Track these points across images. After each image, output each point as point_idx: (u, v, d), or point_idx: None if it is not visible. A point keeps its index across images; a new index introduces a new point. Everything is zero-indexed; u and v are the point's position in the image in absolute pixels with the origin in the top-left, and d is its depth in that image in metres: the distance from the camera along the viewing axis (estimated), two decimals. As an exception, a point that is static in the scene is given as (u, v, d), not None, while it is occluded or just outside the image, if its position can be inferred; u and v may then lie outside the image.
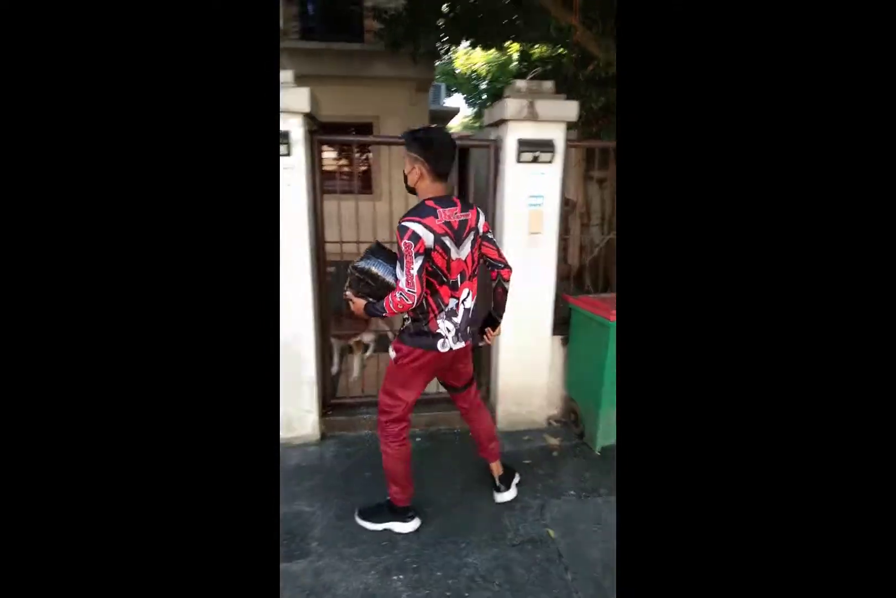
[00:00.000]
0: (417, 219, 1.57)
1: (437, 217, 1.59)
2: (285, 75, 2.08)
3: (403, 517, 1.93)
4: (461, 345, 1.77)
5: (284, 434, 2.47)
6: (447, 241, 1.62)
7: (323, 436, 2.54)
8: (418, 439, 2.56)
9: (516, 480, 2.15)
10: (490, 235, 1.79)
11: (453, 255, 1.65)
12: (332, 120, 3.44)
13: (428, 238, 1.57)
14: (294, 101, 2.06)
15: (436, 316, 1.70)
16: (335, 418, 2.58)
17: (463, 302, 1.73)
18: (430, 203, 1.62)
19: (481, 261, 1.79)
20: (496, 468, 2.09)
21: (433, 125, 1.95)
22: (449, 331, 1.72)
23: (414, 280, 1.56)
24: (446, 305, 1.70)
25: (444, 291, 1.69)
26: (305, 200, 2.21)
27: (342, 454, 2.42)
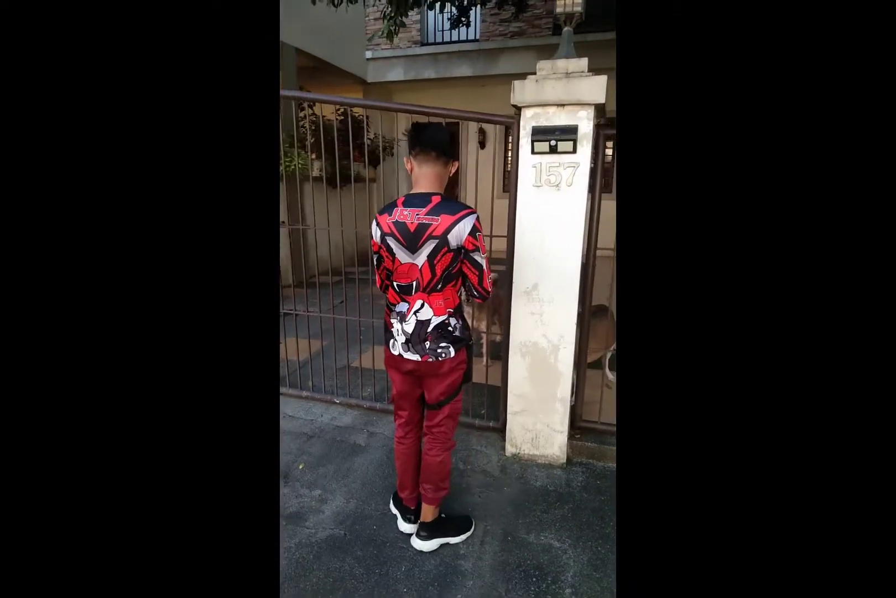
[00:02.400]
0: (378, 215, 1.57)
1: (390, 215, 1.53)
2: (579, 64, 1.88)
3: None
4: (415, 357, 1.62)
5: (528, 450, 2.32)
6: (391, 241, 1.53)
7: (569, 460, 2.32)
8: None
9: (450, 540, 1.84)
10: (475, 256, 1.53)
11: (402, 258, 1.54)
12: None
13: (376, 235, 1.57)
14: (587, 90, 1.85)
15: (390, 313, 1.67)
16: (583, 442, 2.34)
17: (416, 313, 1.60)
18: (400, 199, 1.55)
19: (449, 277, 1.56)
20: (424, 513, 1.83)
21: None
22: (399, 334, 1.63)
23: (376, 272, 1.66)
24: (394, 305, 1.65)
25: (392, 292, 1.65)
26: (584, 202, 1.99)
27: (592, 487, 2.17)
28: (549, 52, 6.03)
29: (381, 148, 5.54)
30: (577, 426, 2.38)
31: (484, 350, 3.19)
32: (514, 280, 2.15)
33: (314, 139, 4.98)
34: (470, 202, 1.86)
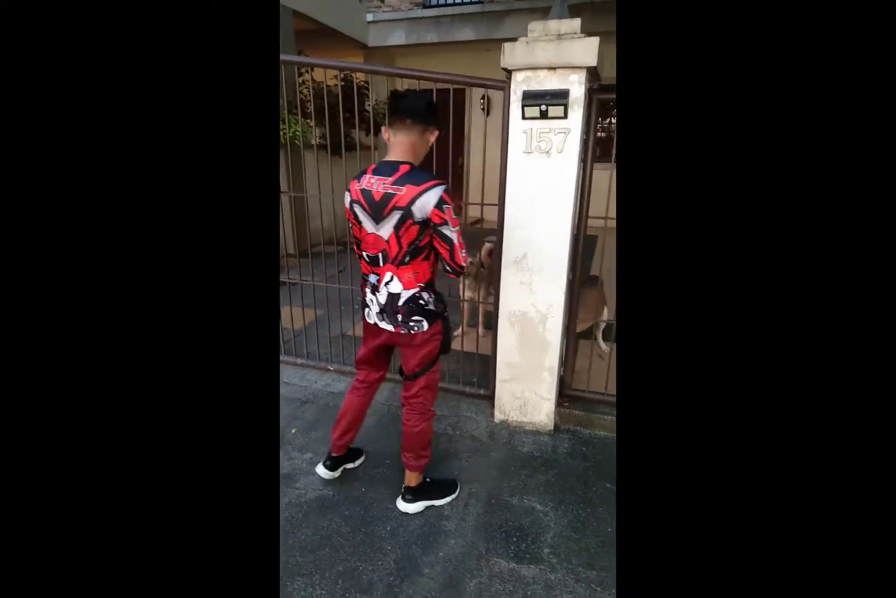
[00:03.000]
0: (351, 181, 1.58)
1: (359, 181, 1.54)
2: (572, 25, 1.82)
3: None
4: (388, 327, 1.65)
5: (517, 417, 2.36)
6: (357, 208, 1.54)
7: (556, 427, 2.36)
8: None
9: (434, 502, 1.90)
10: (443, 229, 1.46)
11: (367, 227, 1.54)
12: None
13: (346, 201, 1.57)
14: (578, 53, 1.79)
15: (364, 282, 1.68)
16: (571, 410, 2.37)
17: (386, 285, 1.60)
18: (371, 166, 1.54)
19: (418, 250, 1.53)
20: (408, 478, 1.88)
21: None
22: (373, 304, 1.66)
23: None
24: (367, 276, 1.66)
25: (363, 261, 1.65)
26: (575, 170, 1.95)
27: (577, 453, 2.21)
28: (555, 14, 5.82)
29: (383, 115, 5.42)
30: (566, 395, 2.41)
31: (480, 320, 3.20)
32: (503, 250, 2.14)
33: (314, 105, 4.88)
34: (475, 170, 1.82)
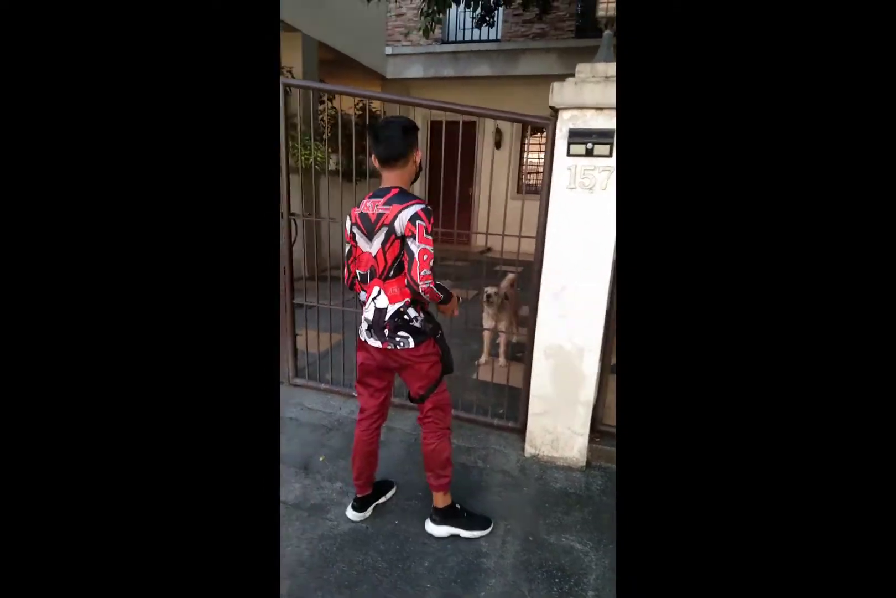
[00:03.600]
0: (352, 209, 1.69)
1: (358, 207, 1.64)
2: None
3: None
4: (376, 343, 1.69)
5: (548, 451, 2.33)
6: (356, 230, 1.65)
7: (588, 464, 2.33)
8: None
9: (461, 532, 1.88)
10: (409, 242, 1.52)
11: (362, 246, 1.64)
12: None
13: (347, 226, 1.69)
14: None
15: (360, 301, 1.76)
16: (603, 446, 2.35)
17: (374, 301, 1.67)
18: (369, 194, 1.64)
19: (402, 265, 1.59)
20: (435, 499, 1.90)
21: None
22: (363, 321, 1.73)
23: (345, 265, 1.77)
24: (359, 294, 1.76)
25: (356, 281, 1.76)
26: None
27: (611, 491, 2.18)
28: (570, 54, 6.03)
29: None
30: (597, 430, 2.39)
31: (501, 350, 3.20)
32: (542, 282, 2.16)
33: (332, 133, 4.97)
34: (483, 202, 1.82)
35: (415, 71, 6.95)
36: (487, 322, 3.09)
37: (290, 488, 2.13)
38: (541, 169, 2.22)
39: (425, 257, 1.52)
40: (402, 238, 1.54)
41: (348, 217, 1.69)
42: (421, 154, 1.68)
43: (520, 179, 7.33)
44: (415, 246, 1.52)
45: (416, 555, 1.79)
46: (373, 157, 1.62)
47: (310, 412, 2.72)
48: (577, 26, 6.44)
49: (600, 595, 1.65)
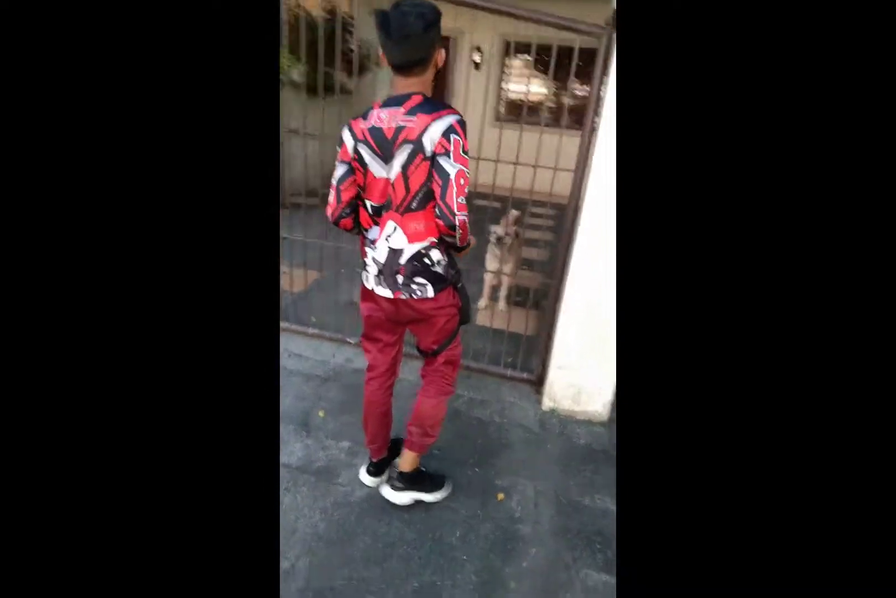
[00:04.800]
0: (351, 121, 1.31)
1: (365, 119, 1.26)
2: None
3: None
4: (385, 293, 1.38)
5: (569, 405, 2.20)
6: (364, 150, 1.26)
7: (610, 419, 2.22)
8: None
9: (424, 497, 1.68)
10: (441, 160, 1.18)
11: (375, 170, 1.27)
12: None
13: (349, 144, 1.30)
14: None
15: (364, 241, 1.42)
16: (623, 399, 2.23)
17: (387, 239, 1.33)
18: (377, 103, 1.28)
19: (430, 195, 1.24)
20: (403, 460, 1.66)
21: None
22: (371, 264, 1.39)
23: (331, 191, 1.34)
24: (367, 230, 1.39)
25: (363, 213, 1.37)
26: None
27: (635, 445, 2.10)
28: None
29: (367, 56, 4.92)
30: (618, 383, 2.27)
31: (502, 295, 2.99)
32: (579, 225, 1.90)
33: (294, 38, 4.31)
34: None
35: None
36: (492, 264, 2.83)
37: (291, 449, 1.90)
38: (525, 97, 1.90)
39: (462, 181, 1.20)
40: (433, 158, 1.19)
41: (346, 130, 1.30)
42: (444, 54, 1.26)
43: (498, 104, 6.80)
44: (450, 166, 1.18)
45: (446, 524, 1.64)
46: (381, 54, 1.22)
47: (300, 360, 2.44)
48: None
49: (646, 561, 1.58)
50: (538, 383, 2.29)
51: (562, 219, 2.19)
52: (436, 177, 1.21)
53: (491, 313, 2.94)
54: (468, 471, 1.86)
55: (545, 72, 6.11)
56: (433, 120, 1.18)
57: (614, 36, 1.66)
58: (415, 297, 1.36)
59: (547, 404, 2.22)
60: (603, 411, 2.17)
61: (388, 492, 1.66)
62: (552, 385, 2.18)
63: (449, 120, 1.19)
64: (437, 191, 1.21)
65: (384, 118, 1.23)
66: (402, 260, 1.32)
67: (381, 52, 1.22)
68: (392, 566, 1.49)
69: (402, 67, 1.22)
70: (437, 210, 1.23)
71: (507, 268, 2.80)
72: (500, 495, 1.77)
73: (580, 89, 6.02)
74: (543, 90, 6.35)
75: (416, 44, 1.17)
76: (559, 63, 2.04)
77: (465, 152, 1.21)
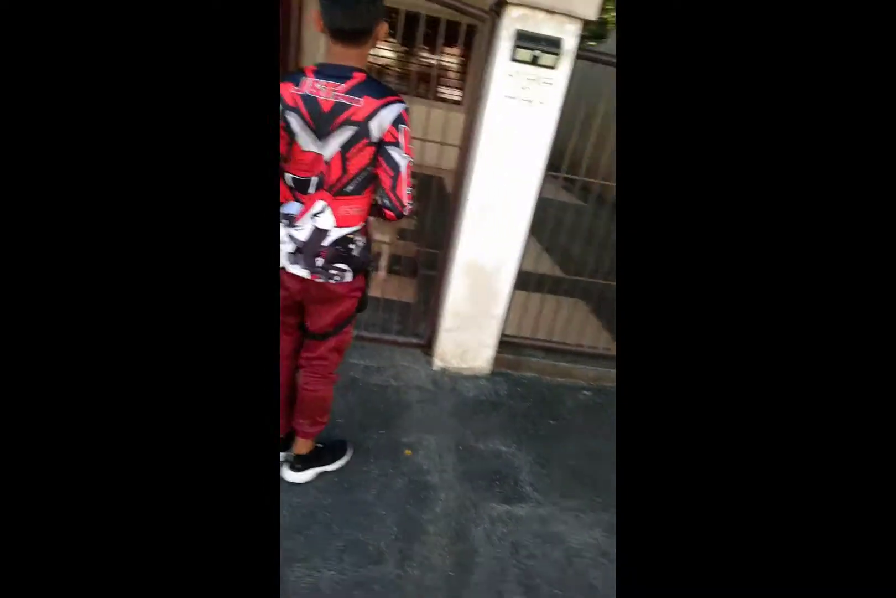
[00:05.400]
0: (284, 84, 1.21)
1: (296, 85, 1.19)
2: (576, -37, 1.70)
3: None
4: (302, 272, 1.32)
5: (457, 363, 2.41)
6: (293, 118, 1.19)
7: (491, 372, 2.49)
8: (587, 393, 2.53)
9: (326, 468, 1.74)
10: (392, 151, 1.20)
11: (303, 143, 1.22)
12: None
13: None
14: (582, 1, 1.71)
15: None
16: (503, 355, 2.50)
17: (314, 217, 1.28)
18: (310, 69, 1.21)
19: (369, 179, 1.27)
20: (299, 445, 1.68)
21: None
22: (291, 241, 1.31)
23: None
24: (283, 204, 1.32)
25: (283, 185, 1.30)
26: (554, 124, 1.93)
27: (516, 394, 2.39)
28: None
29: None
30: (500, 341, 2.52)
31: (382, 264, 3.06)
32: (468, 197, 2.05)
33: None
34: None
35: None
36: (377, 235, 2.88)
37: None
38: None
39: (410, 172, 1.25)
40: (380, 145, 1.20)
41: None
42: (386, 28, 1.21)
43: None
44: (400, 158, 1.21)
45: (361, 485, 1.75)
46: (314, 11, 1.15)
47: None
48: None
49: (536, 488, 1.87)
50: (428, 346, 2.46)
51: (427, 189, 2.31)
52: (386, 167, 1.22)
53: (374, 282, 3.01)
54: (374, 434, 1.98)
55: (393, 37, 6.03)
56: (381, 105, 1.16)
57: (497, 19, 1.77)
58: (332, 282, 1.34)
59: (437, 364, 2.41)
60: (486, 365, 2.43)
61: (289, 475, 1.67)
62: (442, 347, 2.37)
63: (397, 108, 1.18)
64: (388, 182, 1.23)
65: (320, 89, 1.17)
66: (326, 242, 1.30)
67: (315, 13, 1.15)
68: (314, 533, 1.56)
69: (345, 34, 1.15)
70: (386, 201, 1.26)
71: (387, 238, 2.88)
72: (408, 451, 1.92)
73: (429, 58, 6.08)
74: (390, 55, 6.27)
75: (364, 10, 1.13)
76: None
77: (411, 141, 1.23)
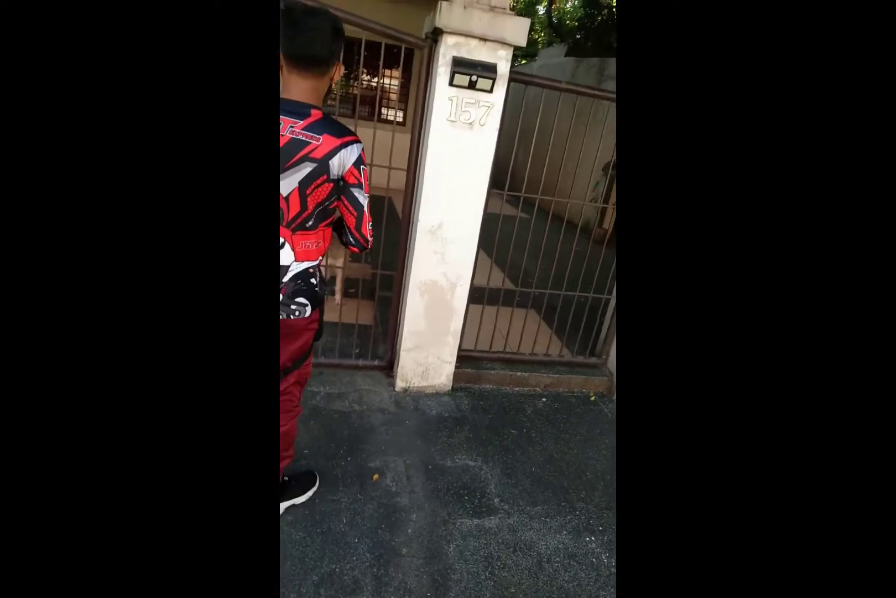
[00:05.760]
0: None
1: None
2: (502, 0, 1.80)
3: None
4: None
5: (418, 382, 2.43)
6: None
7: (452, 388, 2.51)
8: (544, 400, 2.59)
9: (295, 501, 1.74)
10: (355, 192, 1.26)
11: None
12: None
13: None
14: (511, 29, 1.80)
15: None
16: (463, 369, 2.54)
17: None
18: None
19: (326, 213, 1.29)
20: None
21: None
22: None
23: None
24: None
25: None
26: (494, 143, 2.00)
27: (478, 407, 2.42)
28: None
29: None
30: (459, 356, 2.56)
31: (337, 288, 3.05)
32: (418, 218, 2.09)
33: None
34: None
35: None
36: (332, 260, 2.87)
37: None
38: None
39: (369, 210, 1.31)
40: (338, 183, 1.23)
41: None
42: (342, 69, 1.27)
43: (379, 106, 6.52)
44: (362, 198, 1.27)
45: (331, 514, 1.73)
46: (281, 55, 1.15)
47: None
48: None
49: (503, 499, 1.90)
50: (389, 367, 2.47)
51: (378, 210, 2.34)
52: (350, 208, 1.27)
53: (329, 307, 2.99)
54: (341, 462, 1.96)
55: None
56: (340, 144, 1.19)
57: (434, 47, 1.84)
58: (292, 317, 1.34)
59: (399, 384, 2.42)
60: (447, 382, 2.45)
61: None
62: (402, 367, 2.38)
63: (357, 149, 1.21)
64: (352, 221, 1.29)
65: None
66: (286, 278, 1.30)
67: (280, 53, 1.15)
68: (288, 568, 1.53)
69: (302, 60, 1.16)
70: (351, 239, 1.33)
71: (339, 261, 2.87)
72: (375, 476, 1.92)
73: (370, 81, 6.22)
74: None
75: (322, 39, 1.15)
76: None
77: (369, 181, 1.28)
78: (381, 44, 1.92)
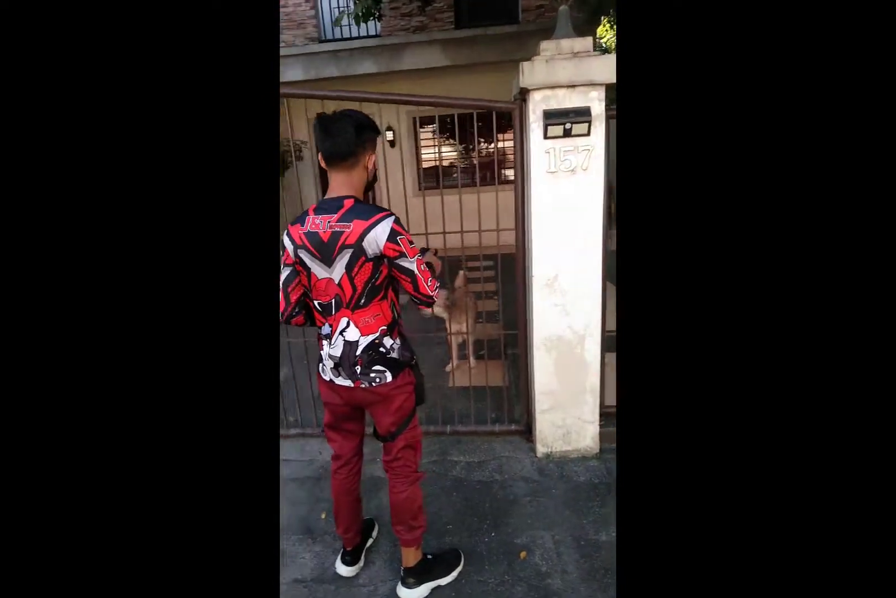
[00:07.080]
0: (289, 226, 1.40)
1: (302, 225, 1.36)
2: (584, 43, 1.81)
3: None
4: (346, 383, 1.43)
5: (561, 446, 2.24)
6: (304, 255, 1.36)
7: (600, 449, 2.27)
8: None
9: (440, 582, 1.64)
10: (402, 262, 1.33)
11: (318, 273, 1.36)
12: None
13: (290, 248, 1.39)
14: (598, 69, 1.78)
15: (319, 337, 1.49)
16: (608, 429, 2.29)
17: (342, 333, 1.41)
18: (311, 207, 1.38)
19: (375, 290, 1.37)
20: (404, 557, 1.61)
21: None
22: (327, 358, 1.46)
23: (279, 293, 1.43)
24: (320, 328, 1.48)
25: (315, 312, 1.47)
26: (602, 186, 1.93)
27: (635, 474, 2.14)
28: (453, 45, 6.00)
29: (292, 152, 5.17)
30: (602, 413, 2.33)
31: (469, 351, 3.05)
32: (533, 273, 2.04)
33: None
34: (383, 203, 1.73)
35: (294, 74, 6.49)
36: (452, 326, 2.93)
37: (302, 560, 1.79)
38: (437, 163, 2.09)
39: (423, 267, 1.36)
40: (378, 260, 1.32)
41: (285, 236, 1.39)
42: (376, 159, 1.41)
43: (419, 175, 7.21)
44: (409, 264, 1.33)
45: (478, 595, 1.59)
46: (319, 155, 1.36)
47: (287, 464, 2.36)
48: (456, 17, 6.44)
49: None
50: (527, 431, 2.33)
51: (500, 267, 2.33)
52: (402, 276, 1.35)
53: (465, 371, 2.99)
54: (485, 538, 1.83)
55: (451, 137, 6.69)
56: (369, 225, 1.28)
57: (524, 106, 1.90)
58: (374, 385, 1.41)
59: (541, 450, 2.25)
60: (593, 444, 2.22)
61: (403, 592, 1.60)
62: (542, 431, 2.23)
63: (387, 224, 1.29)
64: (410, 286, 1.37)
65: (319, 223, 1.32)
66: (359, 351, 1.40)
67: (320, 156, 1.35)
68: (435, 654, 1.42)
69: (331, 158, 1.33)
70: (415, 300, 1.41)
71: (464, 326, 2.90)
72: (523, 554, 1.74)
73: (487, 148, 6.71)
74: (453, 153, 7.04)
75: (345, 137, 1.31)
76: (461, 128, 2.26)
77: (411, 242, 1.34)
78: (473, 114, 2.03)
